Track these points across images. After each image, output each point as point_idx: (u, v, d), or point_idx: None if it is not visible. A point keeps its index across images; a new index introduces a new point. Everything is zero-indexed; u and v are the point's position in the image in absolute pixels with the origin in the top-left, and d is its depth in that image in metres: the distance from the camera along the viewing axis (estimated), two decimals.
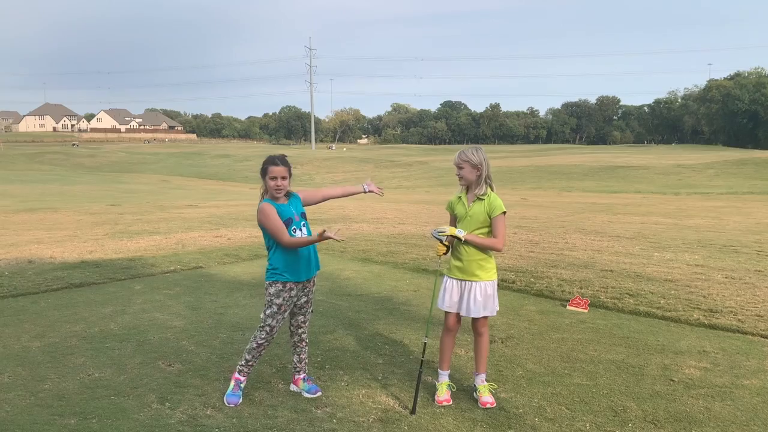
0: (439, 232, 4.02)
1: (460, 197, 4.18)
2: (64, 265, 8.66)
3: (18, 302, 6.71)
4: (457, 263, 4.11)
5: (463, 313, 4.13)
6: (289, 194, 4.16)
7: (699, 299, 6.78)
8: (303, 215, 4.17)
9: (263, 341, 4.10)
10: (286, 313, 4.12)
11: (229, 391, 4.08)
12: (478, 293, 4.06)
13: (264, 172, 4.05)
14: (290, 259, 4.03)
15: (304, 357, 4.32)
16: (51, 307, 6.48)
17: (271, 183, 4.02)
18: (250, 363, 4.15)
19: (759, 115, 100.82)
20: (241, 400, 4.04)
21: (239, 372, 4.14)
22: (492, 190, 4.11)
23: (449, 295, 4.13)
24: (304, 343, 4.32)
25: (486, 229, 4.06)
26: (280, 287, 4.04)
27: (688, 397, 4.14)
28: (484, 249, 4.06)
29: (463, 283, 4.10)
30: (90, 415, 3.80)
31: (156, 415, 3.82)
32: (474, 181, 4.08)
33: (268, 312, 4.06)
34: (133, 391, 4.21)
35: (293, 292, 4.09)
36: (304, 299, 4.21)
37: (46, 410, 3.88)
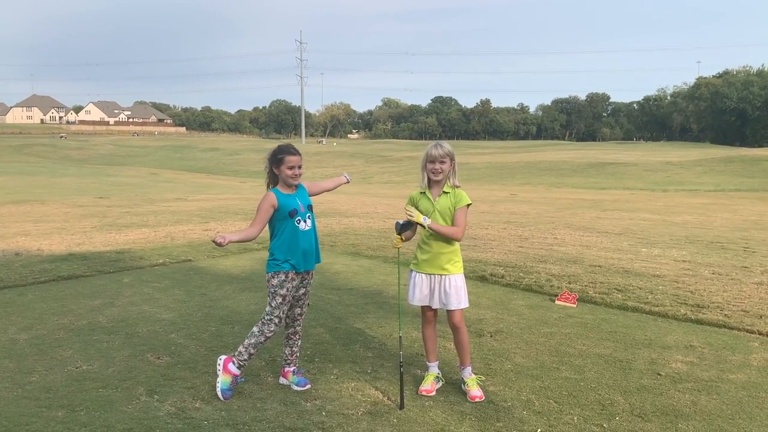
0: (402, 223, 4.01)
1: (423, 192, 4.16)
2: (52, 258, 8.59)
3: (5, 295, 6.66)
4: (425, 257, 4.11)
5: (436, 306, 4.15)
6: (296, 185, 4.20)
7: (686, 295, 6.84)
8: (310, 207, 4.21)
9: (271, 334, 4.09)
10: (290, 304, 4.14)
11: (226, 386, 4.01)
12: (448, 286, 4.08)
13: (280, 161, 4.07)
14: (291, 248, 4.05)
15: (296, 350, 4.32)
16: (38, 300, 6.44)
17: (289, 172, 4.06)
18: (252, 357, 4.15)
19: (747, 113, 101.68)
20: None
21: (240, 367, 4.09)
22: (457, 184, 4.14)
23: (419, 290, 4.14)
24: (297, 336, 4.32)
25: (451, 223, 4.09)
26: (283, 277, 4.05)
27: (675, 391, 4.18)
28: (446, 239, 4.07)
29: (433, 277, 4.11)
30: (78, 408, 3.78)
31: (144, 408, 3.81)
32: (447, 175, 4.10)
33: (273, 304, 4.06)
34: (122, 383, 4.19)
35: (295, 282, 4.11)
36: (302, 291, 4.22)
37: (34, 402, 3.86)
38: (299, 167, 4.08)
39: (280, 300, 4.06)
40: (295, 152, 4.09)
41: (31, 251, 9.13)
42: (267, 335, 4.08)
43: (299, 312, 4.27)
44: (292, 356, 4.30)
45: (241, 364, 4.09)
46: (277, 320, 4.08)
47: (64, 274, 7.65)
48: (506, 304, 6.51)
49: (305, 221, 4.12)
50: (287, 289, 4.07)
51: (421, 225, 3.99)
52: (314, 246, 4.20)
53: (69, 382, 4.21)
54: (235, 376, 4.05)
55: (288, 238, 4.06)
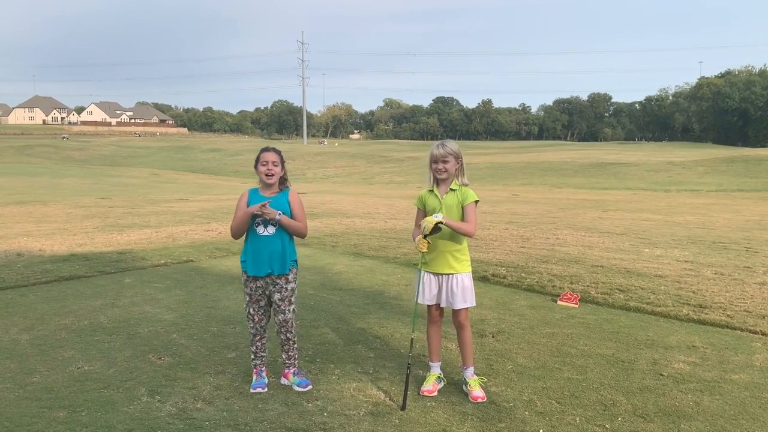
0: (424, 231, 3.94)
1: (431, 191, 4.18)
2: (54, 258, 8.60)
3: (6, 295, 6.66)
4: (432, 255, 4.11)
5: (443, 304, 4.16)
6: (283, 190, 4.21)
7: (688, 295, 6.83)
8: (280, 215, 4.07)
9: (251, 331, 4.25)
10: (261, 303, 4.20)
11: (252, 383, 4.19)
12: (455, 285, 4.08)
13: (256, 160, 4.16)
14: (249, 250, 4.16)
15: (292, 354, 4.30)
16: (40, 300, 6.44)
17: (262, 168, 4.12)
18: (258, 355, 4.27)
19: (749, 113, 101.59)
20: (266, 387, 4.14)
21: (253, 366, 4.27)
22: (466, 181, 4.15)
23: (428, 289, 4.15)
24: (291, 342, 4.28)
25: (460, 220, 4.08)
26: (245, 278, 4.20)
27: (678, 392, 4.16)
28: (457, 237, 4.06)
29: (440, 276, 4.12)
30: (79, 408, 3.78)
31: (146, 408, 3.80)
32: (453, 173, 4.11)
33: (245, 302, 4.23)
34: (123, 384, 4.19)
35: (258, 283, 4.16)
36: (277, 296, 4.16)
37: (35, 403, 3.86)
38: (273, 163, 4.10)
39: (247, 299, 4.21)
40: (269, 150, 4.15)
41: (33, 252, 9.13)
42: (251, 332, 4.26)
43: (283, 318, 4.19)
44: (289, 360, 4.31)
45: (252, 363, 4.27)
46: (248, 318, 4.22)
47: (66, 274, 7.65)
48: (508, 305, 6.49)
49: (265, 227, 4.11)
50: (250, 288, 4.18)
51: (440, 222, 3.94)
52: (274, 252, 4.09)
53: (70, 382, 4.21)
54: (255, 372, 4.23)
55: (246, 238, 4.18)
